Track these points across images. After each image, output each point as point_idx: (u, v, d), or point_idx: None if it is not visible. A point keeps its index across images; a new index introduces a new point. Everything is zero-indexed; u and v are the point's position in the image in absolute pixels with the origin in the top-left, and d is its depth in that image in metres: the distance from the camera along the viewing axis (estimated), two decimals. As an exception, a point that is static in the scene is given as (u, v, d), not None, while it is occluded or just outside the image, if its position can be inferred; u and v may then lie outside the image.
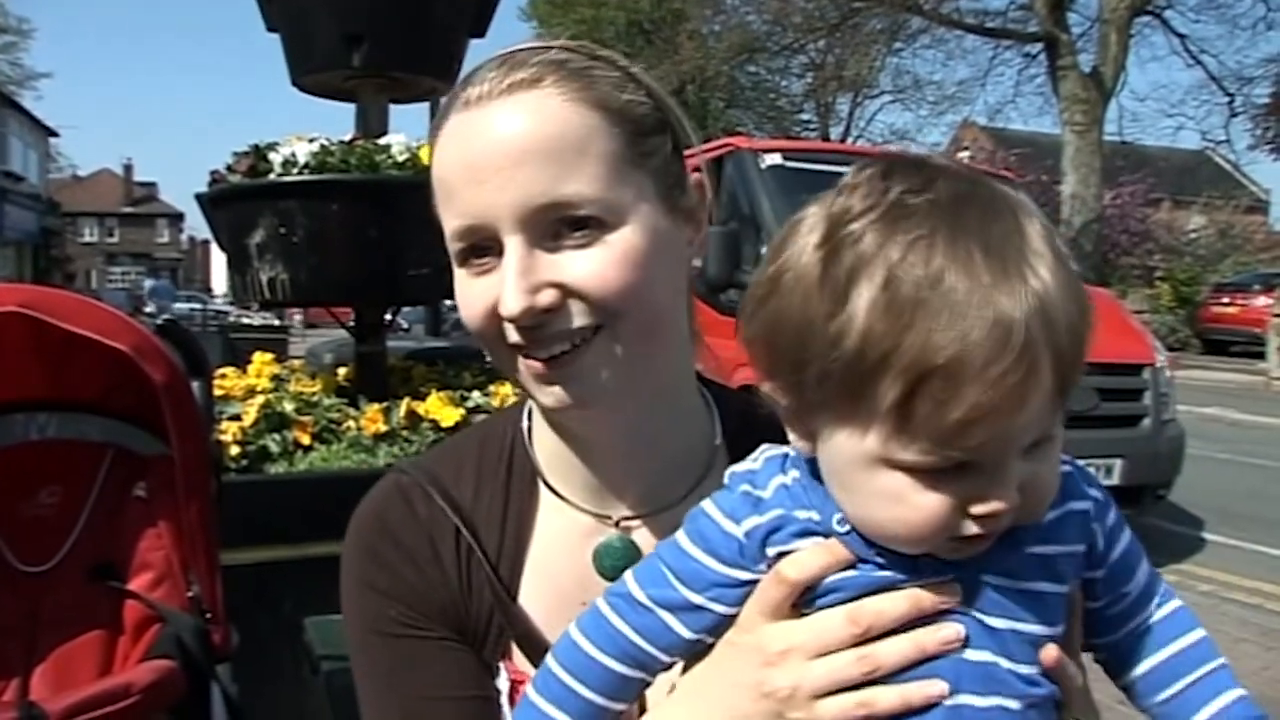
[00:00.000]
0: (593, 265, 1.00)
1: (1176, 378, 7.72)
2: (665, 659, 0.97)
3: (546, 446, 1.18)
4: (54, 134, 57.35)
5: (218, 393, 3.97)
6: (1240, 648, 5.34)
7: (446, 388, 4.27)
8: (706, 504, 0.97)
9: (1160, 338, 10.65)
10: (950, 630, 0.87)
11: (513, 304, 0.99)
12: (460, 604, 1.14)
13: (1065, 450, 0.96)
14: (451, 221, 1.05)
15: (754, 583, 0.93)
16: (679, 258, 1.10)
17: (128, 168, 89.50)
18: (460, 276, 1.07)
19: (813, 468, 0.93)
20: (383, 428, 3.90)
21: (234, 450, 3.72)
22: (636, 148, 1.05)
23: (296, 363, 5.20)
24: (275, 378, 4.51)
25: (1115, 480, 6.81)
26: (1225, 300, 25.68)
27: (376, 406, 4.06)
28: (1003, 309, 0.77)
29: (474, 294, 1.05)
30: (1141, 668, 1.01)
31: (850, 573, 0.90)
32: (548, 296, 1.00)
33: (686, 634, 0.95)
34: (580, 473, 1.15)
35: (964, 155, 38.01)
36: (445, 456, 1.26)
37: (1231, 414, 15.06)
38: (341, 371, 4.74)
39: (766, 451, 0.98)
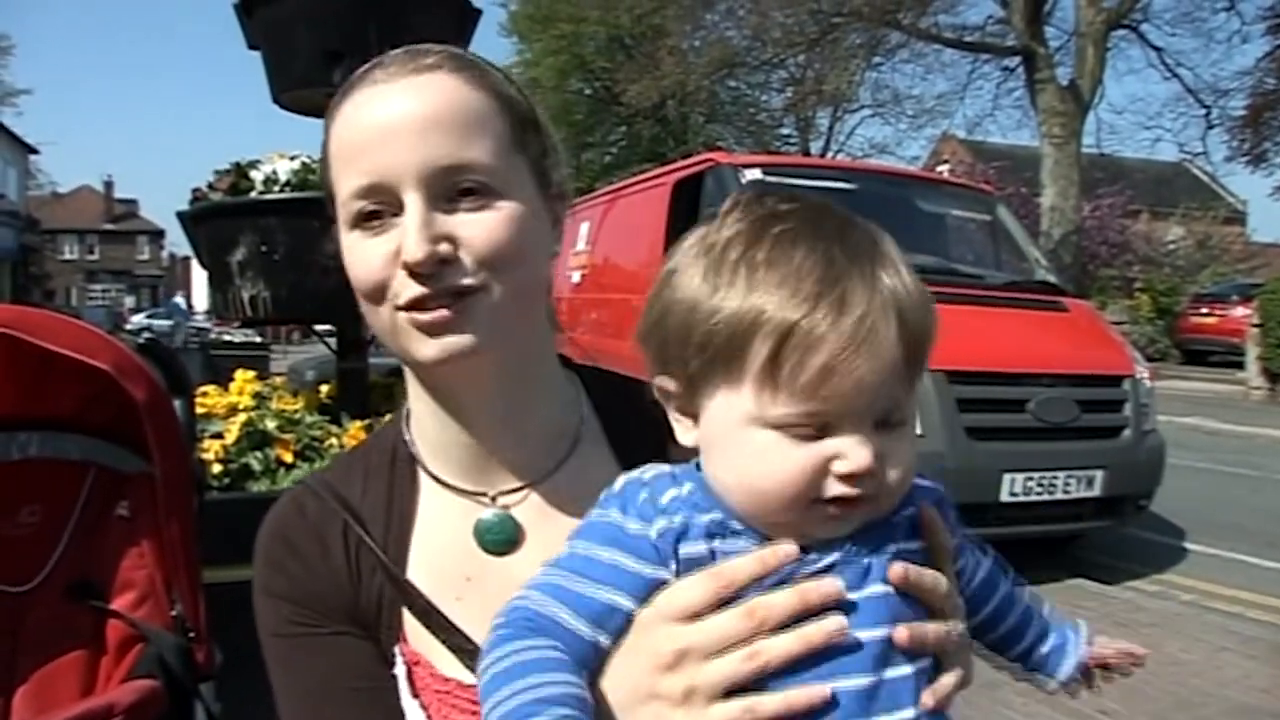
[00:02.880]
0: (484, 224, 1.09)
1: (1156, 388, 7.75)
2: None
3: (424, 432, 1.25)
4: (34, 151, 57.09)
5: (200, 410, 3.96)
6: (1222, 656, 5.36)
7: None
8: (608, 512, 1.02)
9: (1140, 348, 10.71)
10: (834, 622, 0.92)
11: (416, 250, 1.05)
12: (351, 594, 1.18)
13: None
14: (352, 182, 1.10)
15: (662, 583, 0.97)
16: (546, 242, 1.19)
17: (108, 184, 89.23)
18: (352, 239, 1.12)
19: (700, 483, 1.01)
20: (365, 444, 3.89)
21: (216, 468, 3.71)
22: (518, 135, 1.15)
23: (278, 380, 5.19)
24: (257, 395, 4.49)
25: (1096, 491, 6.83)
26: (1204, 311, 25.86)
27: (359, 424, 4.06)
28: (853, 280, 0.92)
29: (368, 252, 1.10)
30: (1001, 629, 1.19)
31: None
32: (445, 247, 1.07)
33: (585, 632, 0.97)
34: (456, 452, 1.21)
35: (943, 168, 38.20)
36: (337, 463, 1.35)
37: (1211, 424, 15.15)
38: (324, 389, 4.74)
39: (654, 469, 1.05)
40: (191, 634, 2.21)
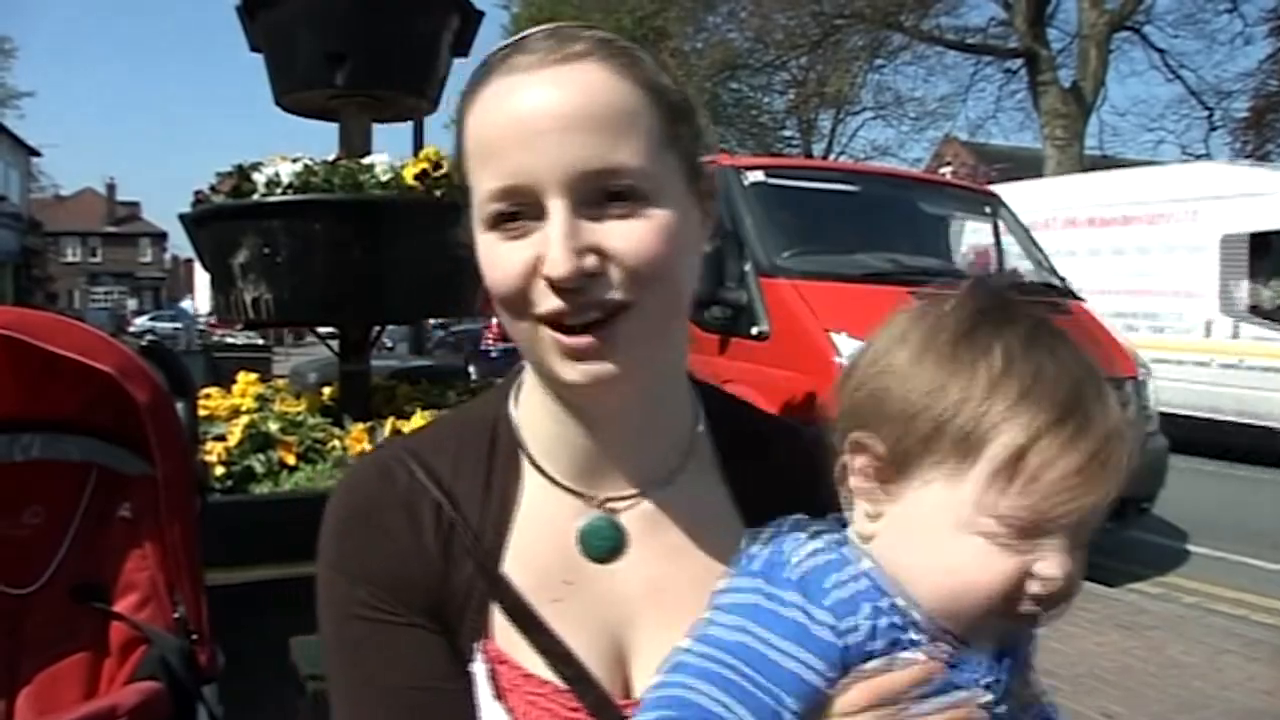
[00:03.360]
0: (634, 235, 1.00)
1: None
2: None
3: (536, 426, 1.17)
4: (36, 153, 57.10)
5: (202, 413, 3.97)
6: (1224, 659, 5.35)
7: (430, 406, 4.28)
8: (782, 593, 0.97)
9: (1142, 351, 10.69)
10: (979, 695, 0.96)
11: (562, 265, 0.97)
12: (439, 580, 1.11)
13: None
14: (490, 182, 1.02)
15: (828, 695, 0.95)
16: (698, 240, 1.12)
17: (110, 187, 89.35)
18: (489, 240, 1.04)
19: (876, 566, 0.98)
20: (367, 447, 3.89)
21: (219, 470, 3.71)
22: (671, 129, 1.06)
23: (281, 382, 5.19)
24: (260, 397, 4.50)
25: (1099, 493, 6.82)
26: (1206, 313, 25.80)
27: (361, 426, 4.06)
28: (1095, 401, 0.93)
29: (507, 257, 1.02)
30: None
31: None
32: (591, 261, 0.99)
33: None
34: (570, 452, 1.14)
35: (946, 170, 38.18)
36: (425, 434, 1.27)
37: (1214, 426, 15.10)
38: (326, 391, 4.74)
39: (821, 538, 1.02)
40: (194, 636, 2.21)
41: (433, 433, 1.25)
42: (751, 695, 0.92)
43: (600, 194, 1.00)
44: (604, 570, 1.13)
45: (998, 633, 0.97)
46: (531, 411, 1.17)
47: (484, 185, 1.03)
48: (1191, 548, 8.34)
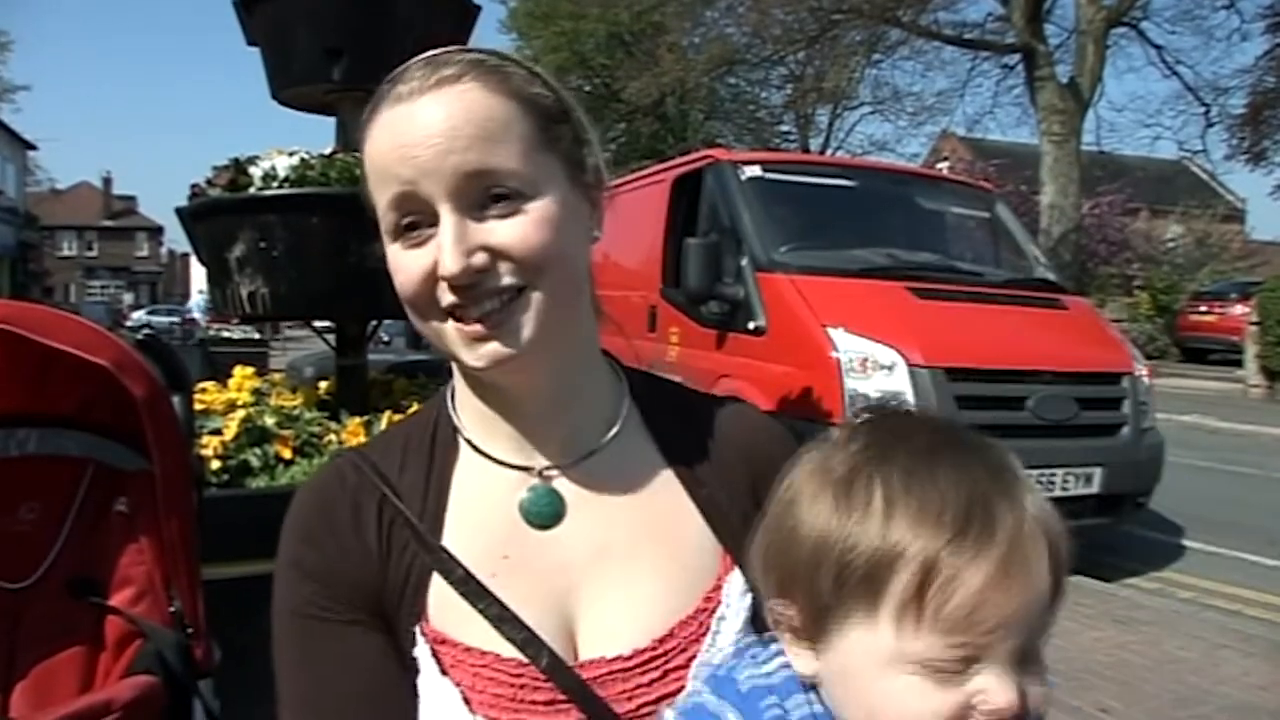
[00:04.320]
0: (516, 230, 1.11)
1: (1155, 386, 7.76)
2: None
3: (471, 413, 1.27)
4: (32, 147, 57.02)
5: (198, 407, 3.96)
6: (1221, 654, 5.36)
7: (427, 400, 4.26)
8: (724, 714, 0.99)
9: (1139, 346, 10.71)
10: None
11: (452, 264, 1.08)
12: (378, 573, 1.18)
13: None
14: (385, 194, 1.13)
15: None
16: (584, 229, 1.23)
17: (107, 181, 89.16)
18: (394, 250, 1.16)
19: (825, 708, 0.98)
20: (364, 441, 3.89)
21: (215, 465, 3.70)
22: (546, 133, 1.16)
23: (277, 376, 5.19)
24: (256, 392, 4.50)
25: (1095, 489, 6.83)
26: (1203, 308, 25.86)
27: (358, 420, 4.05)
28: (998, 504, 0.89)
29: (409, 263, 1.14)
30: None
31: None
32: (480, 258, 1.10)
33: None
34: (504, 429, 1.25)
35: (943, 165, 38.21)
36: (377, 438, 1.39)
37: (1210, 421, 15.16)
38: (323, 385, 4.74)
39: (772, 664, 1.04)
40: (190, 630, 2.21)
41: (384, 436, 1.37)
42: None
43: (483, 197, 1.11)
44: (547, 537, 1.21)
45: None
46: (465, 401, 1.28)
47: (382, 200, 1.15)
48: (1187, 543, 8.36)
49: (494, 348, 1.12)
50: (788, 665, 1.01)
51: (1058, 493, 6.65)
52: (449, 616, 1.16)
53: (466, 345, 1.14)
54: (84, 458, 2.36)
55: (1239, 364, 20.05)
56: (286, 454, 3.87)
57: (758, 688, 1.00)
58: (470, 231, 1.10)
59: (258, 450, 3.85)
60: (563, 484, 1.24)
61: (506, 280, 1.11)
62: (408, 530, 1.19)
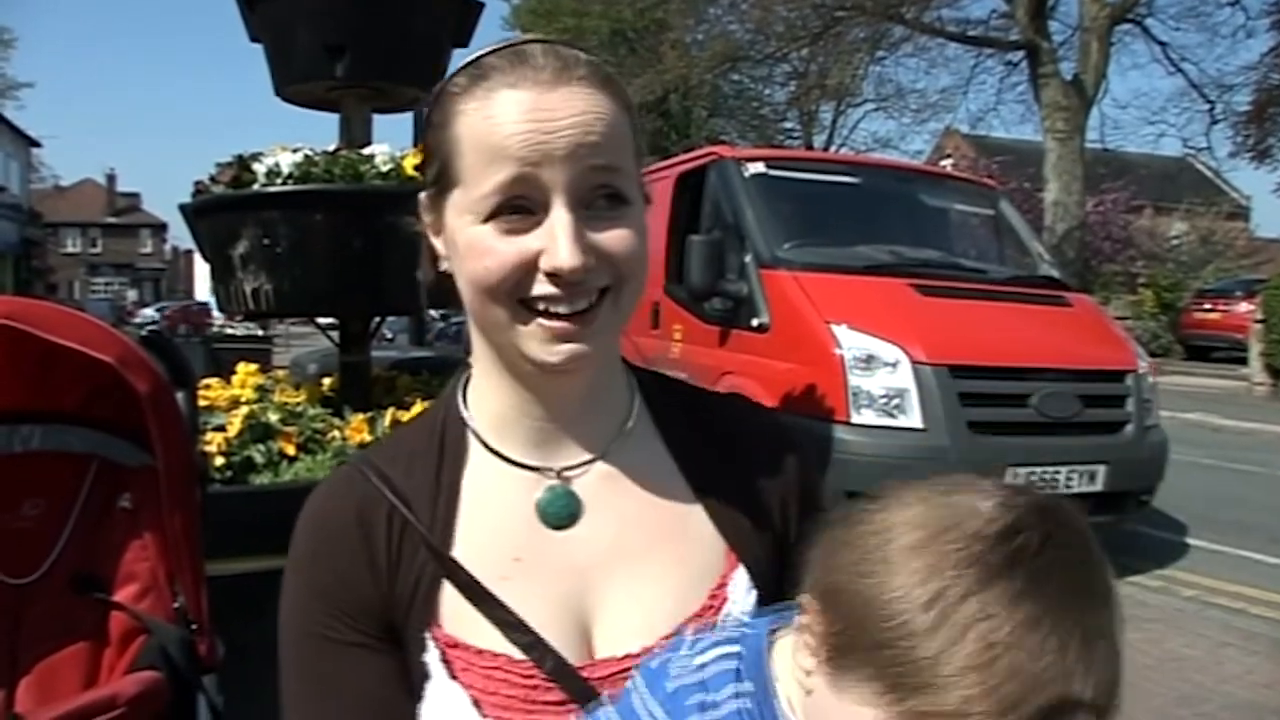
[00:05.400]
0: (622, 234, 1.12)
1: (1159, 383, 7.75)
2: None
3: (489, 412, 1.25)
4: (36, 144, 56.97)
5: (202, 403, 3.97)
6: (1224, 652, 5.36)
7: (430, 397, 4.26)
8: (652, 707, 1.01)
9: (1143, 344, 10.71)
10: None
11: (572, 259, 1.07)
12: (386, 585, 1.17)
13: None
14: (498, 174, 1.09)
15: None
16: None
17: (110, 178, 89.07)
18: (482, 231, 1.12)
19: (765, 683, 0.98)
20: (367, 438, 3.90)
21: (219, 461, 3.71)
22: (636, 139, 1.18)
23: (281, 373, 5.20)
24: (260, 388, 4.50)
25: (1098, 486, 6.82)
26: (1207, 306, 25.80)
27: (361, 417, 4.06)
28: (1072, 692, 0.82)
29: (505, 247, 1.10)
30: None
31: None
32: (590, 257, 1.10)
33: None
34: (524, 431, 1.23)
35: (947, 163, 38.17)
36: (382, 443, 1.37)
37: (1214, 419, 15.13)
38: (326, 382, 4.75)
39: (719, 650, 1.03)
40: (194, 626, 2.21)
41: (389, 441, 1.35)
42: None
43: (593, 196, 1.11)
44: (563, 537, 1.20)
45: None
46: (483, 399, 1.26)
47: (489, 180, 1.10)
48: (1191, 541, 8.34)
49: (574, 347, 1.12)
50: (726, 656, 1.01)
51: (1061, 490, 6.64)
52: (463, 620, 1.15)
53: (544, 340, 1.12)
54: (88, 454, 2.37)
55: (1243, 362, 20.00)
56: (290, 450, 3.88)
57: (685, 685, 1.00)
58: (585, 228, 1.10)
59: (261, 446, 3.86)
60: (579, 484, 1.23)
61: (602, 281, 1.12)
62: (419, 531, 1.18)
